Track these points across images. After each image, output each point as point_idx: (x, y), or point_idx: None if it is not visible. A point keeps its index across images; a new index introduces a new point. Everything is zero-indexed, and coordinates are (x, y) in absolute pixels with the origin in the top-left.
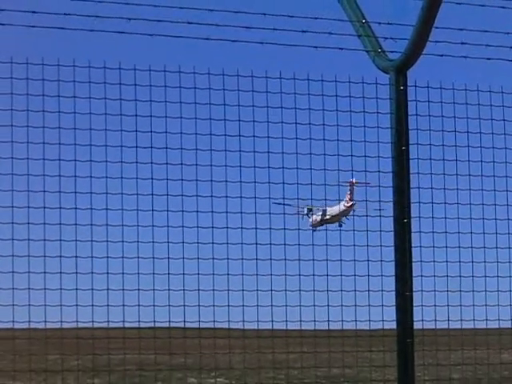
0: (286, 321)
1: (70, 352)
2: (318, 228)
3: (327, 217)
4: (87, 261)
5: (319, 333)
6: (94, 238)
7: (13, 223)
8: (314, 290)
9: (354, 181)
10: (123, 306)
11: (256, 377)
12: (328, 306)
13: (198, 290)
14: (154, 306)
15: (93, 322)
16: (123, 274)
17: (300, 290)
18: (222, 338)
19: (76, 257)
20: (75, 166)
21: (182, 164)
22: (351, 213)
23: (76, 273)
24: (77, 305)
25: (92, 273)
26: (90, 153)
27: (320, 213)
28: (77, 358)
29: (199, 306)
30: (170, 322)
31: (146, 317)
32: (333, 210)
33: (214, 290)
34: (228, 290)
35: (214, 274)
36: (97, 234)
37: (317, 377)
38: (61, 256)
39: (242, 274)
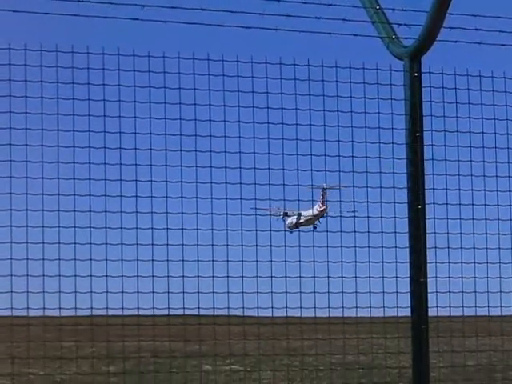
0: (301, 307)
1: (85, 339)
2: (293, 230)
3: (302, 220)
4: (101, 247)
5: (334, 320)
6: (108, 224)
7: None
8: (328, 277)
9: (324, 186)
10: (137, 292)
11: (271, 364)
12: (342, 292)
13: (213, 276)
14: (168, 292)
15: (107, 308)
16: (137, 260)
17: (314, 277)
18: (236, 325)
19: (90, 243)
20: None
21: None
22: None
23: (90, 259)
24: (91, 291)
25: (106, 260)
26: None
27: (295, 216)
28: (91, 346)
29: (213, 292)
30: (184, 309)
31: (160, 304)
32: (307, 214)
33: (228, 276)
34: (242, 276)
35: (228, 261)
36: (110, 220)
37: (331, 364)
38: (75, 243)
39: (256, 261)
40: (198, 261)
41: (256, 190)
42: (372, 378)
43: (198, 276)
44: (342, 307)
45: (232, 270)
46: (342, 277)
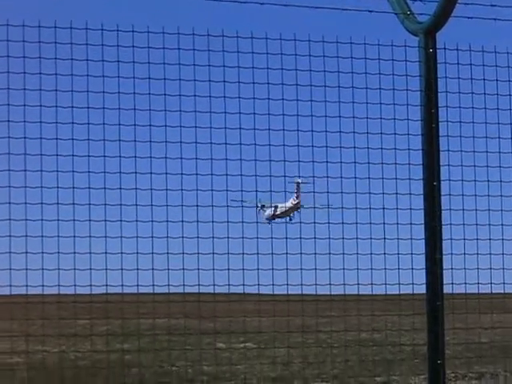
0: (316, 285)
1: (100, 317)
2: (271, 221)
3: (278, 212)
4: (116, 224)
5: (349, 297)
6: (122, 201)
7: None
8: (343, 254)
9: (299, 180)
10: (152, 270)
11: (285, 341)
12: (357, 269)
13: (228, 253)
14: (183, 269)
15: (122, 286)
16: (152, 237)
17: (329, 254)
18: (251, 301)
19: (105, 221)
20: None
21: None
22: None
23: (105, 237)
24: (106, 269)
25: (121, 237)
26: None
27: (272, 208)
28: (106, 323)
29: (228, 269)
30: (199, 286)
31: (175, 281)
32: (283, 206)
33: (243, 253)
34: (258, 253)
35: (243, 238)
36: (125, 197)
37: (346, 341)
38: (90, 220)
39: (271, 238)
40: (212, 238)
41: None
42: (386, 356)
43: (213, 253)
44: (358, 284)
45: (247, 247)
46: (357, 253)
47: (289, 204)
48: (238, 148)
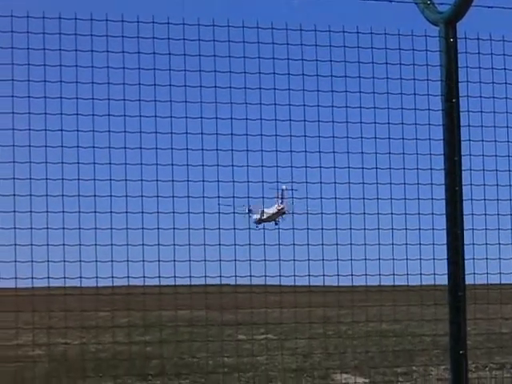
0: (338, 275)
1: (121, 309)
2: (258, 226)
3: (264, 216)
4: (137, 216)
5: (370, 288)
6: (144, 193)
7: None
8: (365, 244)
9: (284, 187)
10: (174, 261)
11: (306, 333)
12: (379, 259)
13: (249, 244)
14: (205, 261)
15: (144, 277)
16: (174, 229)
17: (351, 244)
18: (272, 293)
19: (126, 212)
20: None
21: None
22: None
23: (127, 229)
24: (128, 260)
25: (143, 228)
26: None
27: (259, 213)
28: (127, 315)
29: (250, 260)
30: (221, 277)
31: (197, 273)
32: (269, 211)
33: (264, 244)
34: (279, 244)
35: (264, 229)
36: (146, 189)
37: (366, 332)
38: (111, 212)
39: (293, 229)
40: (234, 229)
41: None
42: (406, 346)
43: (235, 244)
44: (379, 275)
45: (268, 238)
46: (378, 244)
47: (273, 210)
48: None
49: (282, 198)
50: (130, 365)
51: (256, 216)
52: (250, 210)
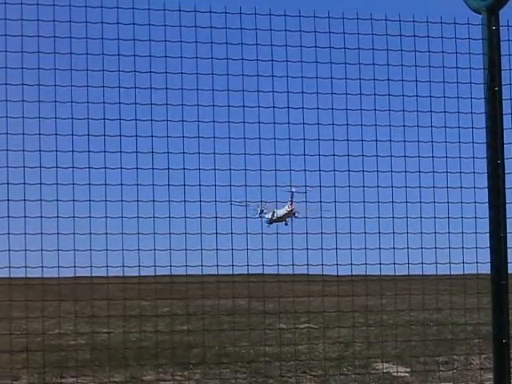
0: (380, 264)
1: (164, 298)
2: (270, 226)
3: (275, 217)
4: (180, 204)
5: (413, 277)
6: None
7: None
8: (407, 233)
9: (293, 190)
10: (216, 250)
11: (347, 322)
12: (422, 248)
13: (292, 233)
14: (247, 249)
15: (186, 266)
16: (216, 218)
17: (394, 233)
18: (316, 282)
19: (169, 201)
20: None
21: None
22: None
23: (169, 217)
24: (170, 249)
25: (185, 217)
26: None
27: (270, 213)
28: (170, 304)
29: (293, 249)
30: (263, 265)
31: (239, 262)
32: (279, 212)
33: (307, 233)
34: (321, 233)
35: (306, 218)
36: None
37: (407, 321)
38: (153, 201)
39: (335, 217)
40: (276, 216)
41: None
42: (447, 336)
43: (277, 233)
44: (422, 263)
45: (311, 226)
46: (421, 233)
47: (284, 211)
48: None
49: (292, 200)
50: (172, 354)
51: (268, 216)
52: (261, 211)
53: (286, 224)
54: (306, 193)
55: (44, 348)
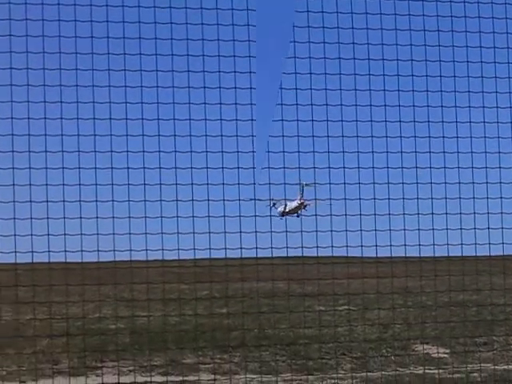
0: (419, 245)
1: (203, 281)
2: (282, 218)
3: (287, 209)
4: (219, 187)
5: (453, 258)
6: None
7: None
8: (446, 214)
9: (304, 183)
10: (255, 232)
11: (386, 303)
12: (461, 229)
13: (331, 215)
14: (286, 232)
15: (226, 249)
16: (255, 200)
17: (433, 214)
18: (355, 263)
19: (207, 184)
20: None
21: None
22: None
23: (208, 200)
24: (209, 232)
25: (224, 200)
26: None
27: (283, 206)
28: (209, 287)
29: (332, 231)
30: (302, 248)
31: (278, 244)
32: (291, 205)
33: (346, 215)
34: (360, 214)
35: (345, 199)
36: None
37: (446, 302)
38: (192, 184)
39: (374, 199)
40: (315, 199)
41: None
42: (486, 316)
43: (316, 215)
44: (461, 244)
45: (350, 207)
46: (460, 213)
47: (295, 204)
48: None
49: (302, 193)
50: (211, 337)
51: (280, 209)
52: (274, 204)
53: (297, 216)
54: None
55: (84, 332)
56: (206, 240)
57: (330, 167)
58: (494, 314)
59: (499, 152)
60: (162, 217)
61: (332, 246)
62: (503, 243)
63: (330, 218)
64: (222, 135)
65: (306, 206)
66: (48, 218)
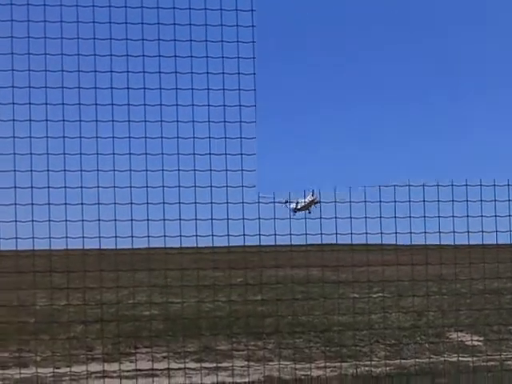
0: (454, 232)
1: (237, 268)
2: (295, 214)
3: (299, 206)
4: (252, 174)
5: (487, 246)
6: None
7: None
8: (481, 201)
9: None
10: (290, 219)
11: (420, 291)
12: (496, 216)
13: (365, 201)
14: (320, 218)
15: (260, 235)
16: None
17: (467, 201)
18: (389, 251)
19: (241, 170)
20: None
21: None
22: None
23: (242, 186)
24: (243, 218)
25: (254, 186)
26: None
27: (295, 203)
28: (243, 274)
29: (366, 218)
30: (336, 235)
31: (312, 230)
32: (303, 201)
33: (380, 201)
34: (395, 201)
35: (379, 186)
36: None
37: (481, 290)
38: (227, 170)
39: (409, 186)
40: (350, 188)
41: None
42: None
43: (350, 201)
44: (496, 231)
45: (383, 195)
46: (494, 200)
47: (307, 200)
48: None
49: (313, 191)
50: (245, 324)
51: (292, 206)
52: (286, 201)
53: (309, 212)
54: None
55: (118, 318)
56: (240, 227)
57: None
58: None
59: None
60: (195, 203)
61: (366, 233)
62: None
63: (365, 205)
64: None
65: (316, 202)
66: (82, 203)
